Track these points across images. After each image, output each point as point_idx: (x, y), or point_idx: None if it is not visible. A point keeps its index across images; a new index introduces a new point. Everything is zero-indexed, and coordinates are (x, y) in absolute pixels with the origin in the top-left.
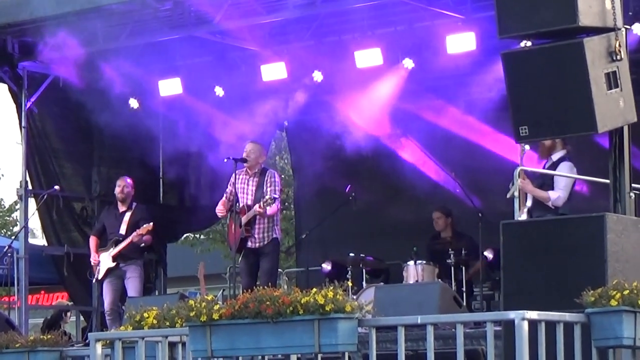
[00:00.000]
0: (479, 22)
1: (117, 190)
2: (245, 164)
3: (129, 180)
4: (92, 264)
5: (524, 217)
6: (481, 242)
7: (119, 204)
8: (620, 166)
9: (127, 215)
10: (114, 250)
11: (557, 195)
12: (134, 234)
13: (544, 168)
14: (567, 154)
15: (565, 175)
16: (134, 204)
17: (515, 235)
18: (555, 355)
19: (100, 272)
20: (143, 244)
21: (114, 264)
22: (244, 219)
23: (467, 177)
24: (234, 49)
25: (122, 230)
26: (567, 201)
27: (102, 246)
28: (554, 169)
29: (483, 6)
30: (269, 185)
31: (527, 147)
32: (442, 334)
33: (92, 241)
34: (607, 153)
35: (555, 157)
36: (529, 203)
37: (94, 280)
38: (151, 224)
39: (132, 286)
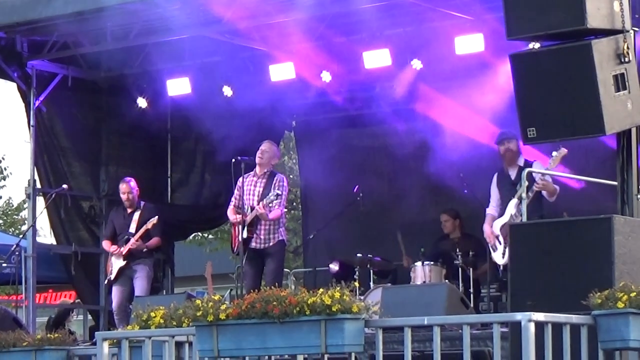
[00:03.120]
0: (487, 23)
1: (123, 197)
2: (257, 161)
3: (132, 183)
4: (114, 254)
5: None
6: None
7: (126, 205)
8: (628, 168)
9: (136, 214)
10: (124, 249)
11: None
12: (142, 230)
13: (514, 175)
14: None
15: (570, 176)
16: (142, 203)
17: (523, 236)
18: (561, 357)
19: (113, 273)
20: (145, 249)
21: (125, 262)
22: (247, 219)
23: (475, 177)
24: (242, 49)
25: (132, 228)
26: None
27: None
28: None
29: (492, 7)
30: (276, 188)
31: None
32: (448, 335)
33: (107, 244)
34: (614, 154)
35: (521, 161)
36: (511, 210)
37: (105, 282)
38: (156, 217)
39: (140, 285)
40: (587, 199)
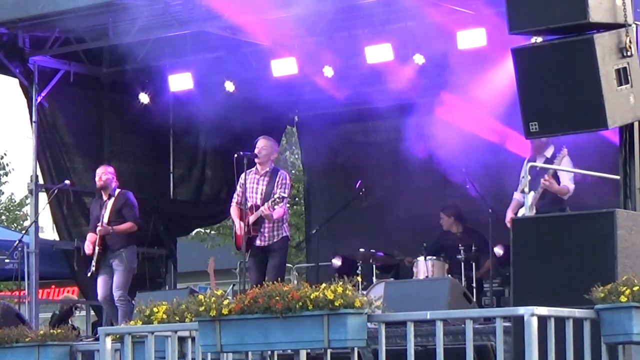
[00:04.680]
0: (489, 18)
1: (97, 179)
2: (256, 160)
3: (109, 168)
4: (87, 253)
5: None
6: (491, 238)
7: (102, 193)
8: (631, 162)
9: (110, 202)
10: (97, 240)
11: (573, 187)
12: (106, 215)
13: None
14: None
15: (572, 170)
16: (117, 191)
17: (526, 231)
18: (564, 352)
19: (94, 266)
20: (112, 230)
21: (100, 250)
22: (251, 219)
23: (478, 172)
24: (244, 44)
25: (105, 218)
26: None
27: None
28: (552, 164)
29: (493, 2)
30: (279, 187)
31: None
32: (451, 329)
33: (92, 237)
34: (617, 149)
35: (549, 152)
36: (529, 201)
37: (88, 274)
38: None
39: (116, 279)
40: (590, 193)
